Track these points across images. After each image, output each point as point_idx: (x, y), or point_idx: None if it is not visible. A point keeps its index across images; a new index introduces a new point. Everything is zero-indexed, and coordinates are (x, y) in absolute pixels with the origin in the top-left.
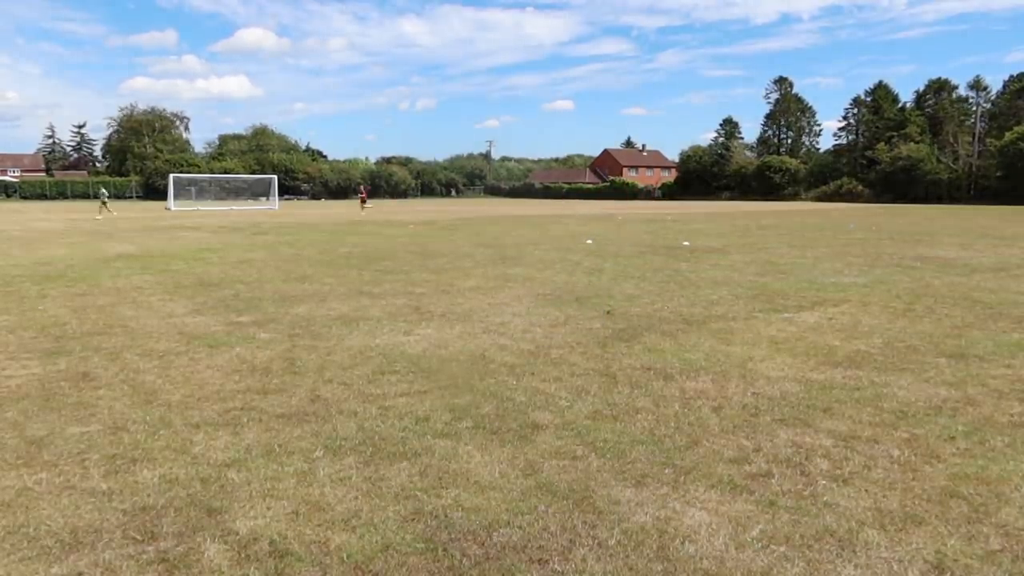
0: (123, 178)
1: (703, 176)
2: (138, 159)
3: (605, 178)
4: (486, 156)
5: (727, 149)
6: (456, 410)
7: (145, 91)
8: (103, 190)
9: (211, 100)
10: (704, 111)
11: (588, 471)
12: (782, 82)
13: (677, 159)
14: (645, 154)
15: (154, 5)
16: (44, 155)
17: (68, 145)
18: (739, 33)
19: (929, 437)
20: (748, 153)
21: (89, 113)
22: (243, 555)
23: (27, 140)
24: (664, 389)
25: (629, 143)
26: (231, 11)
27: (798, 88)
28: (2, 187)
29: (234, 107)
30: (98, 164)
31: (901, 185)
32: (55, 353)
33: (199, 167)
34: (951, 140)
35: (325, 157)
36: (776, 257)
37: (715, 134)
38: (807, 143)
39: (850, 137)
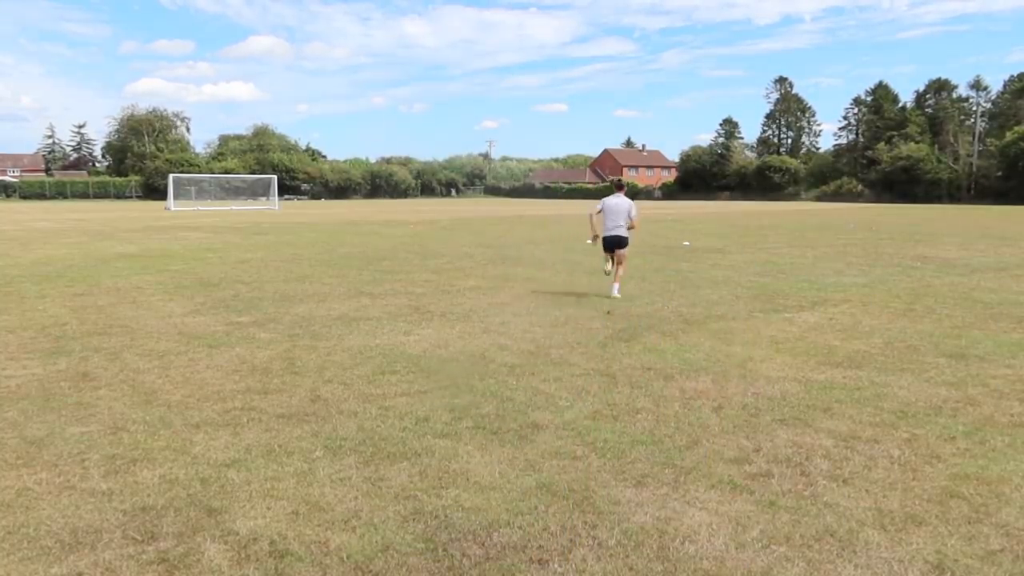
0: (123, 178)
1: (703, 176)
2: (138, 159)
3: (605, 178)
4: (486, 156)
5: (727, 149)
6: (456, 410)
7: (152, 94)
8: None
9: (216, 103)
10: (704, 111)
11: (588, 471)
12: (782, 82)
13: (677, 159)
14: (645, 154)
15: (159, 7)
16: (44, 155)
17: (68, 145)
18: (741, 34)
19: (929, 437)
20: (748, 153)
21: (96, 116)
22: (243, 555)
23: (27, 140)
24: (664, 389)
25: (629, 143)
26: (236, 12)
27: (798, 88)
28: (1, 187)
29: (239, 109)
30: (98, 164)
31: (901, 185)
32: (55, 353)
33: (199, 167)
34: (951, 140)
35: (325, 157)
36: (776, 257)
37: (715, 134)
38: (807, 143)
39: (850, 137)
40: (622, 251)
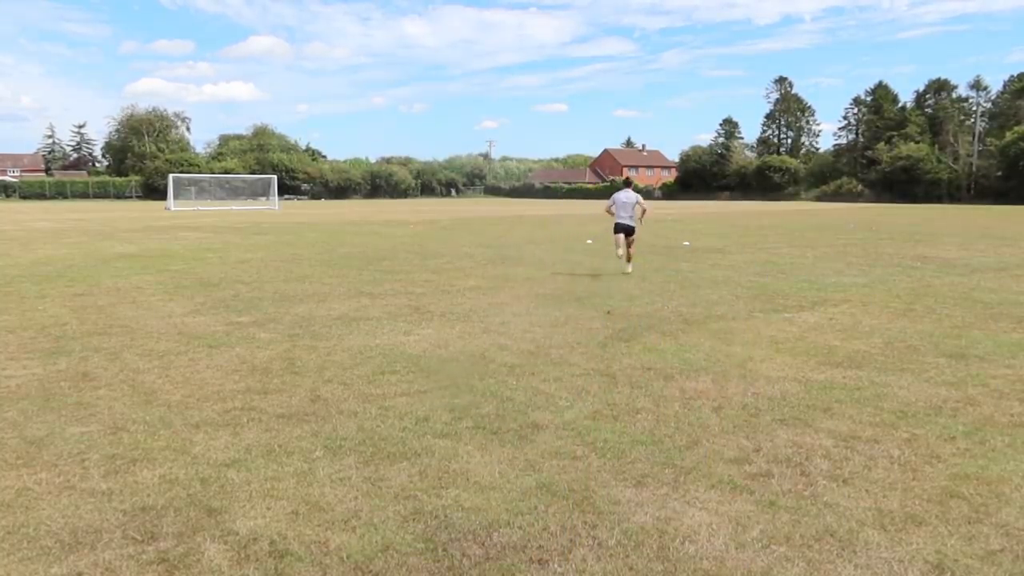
0: (123, 178)
1: (703, 176)
2: (138, 159)
3: (605, 178)
4: (486, 156)
5: (727, 149)
6: (456, 410)
7: (152, 94)
8: None
9: (216, 103)
10: (704, 111)
11: (588, 471)
12: (782, 82)
13: (677, 159)
14: (645, 154)
15: (159, 7)
16: (44, 155)
17: (68, 145)
18: (741, 34)
19: (929, 437)
20: (748, 153)
21: (96, 116)
22: (243, 555)
23: (27, 140)
24: (664, 389)
25: (629, 143)
26: (236, 12)
27: (798, 88)
28: (1, 187)
29: (239, 109)
30: (98, 164)
31: (901, 185)
32: (55, 353)
33: (199, 167)
34: (951, 140)
35: (325, 157)
36: (776, 257)
37: (715, 134)
38: (807, 143)
39: (850, 137)
40: (631, 237)
